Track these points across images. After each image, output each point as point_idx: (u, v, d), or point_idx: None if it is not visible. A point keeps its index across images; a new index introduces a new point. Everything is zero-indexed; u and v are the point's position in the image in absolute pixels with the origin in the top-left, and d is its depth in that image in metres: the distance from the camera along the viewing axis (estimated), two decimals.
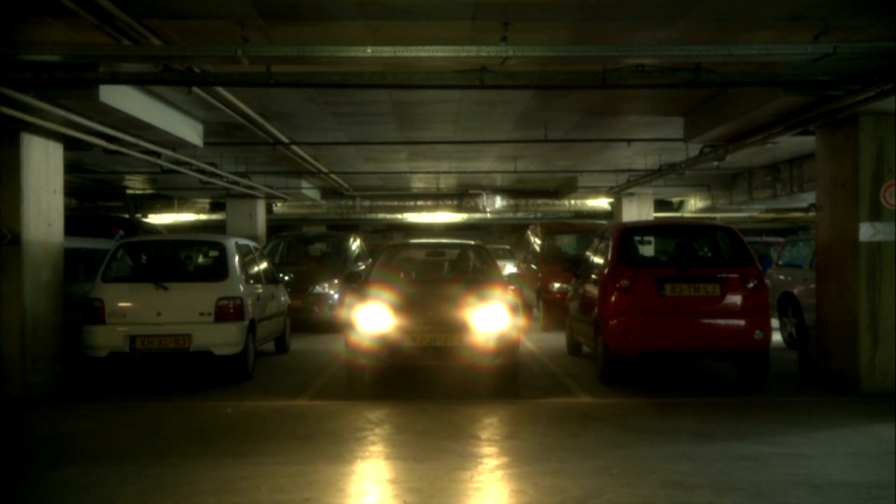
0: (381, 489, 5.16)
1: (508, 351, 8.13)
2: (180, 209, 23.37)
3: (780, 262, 12.97)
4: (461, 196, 23.20)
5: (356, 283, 9.57)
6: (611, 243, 8.94)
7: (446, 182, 21.66)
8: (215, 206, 23.19)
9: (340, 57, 6.72)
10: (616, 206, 21.51)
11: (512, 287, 9.01)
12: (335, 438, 6.44)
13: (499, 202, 22.96)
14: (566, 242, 16.19)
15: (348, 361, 8.48)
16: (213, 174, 14.83)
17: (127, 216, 15.46)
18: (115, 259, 8.99)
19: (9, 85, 7.15)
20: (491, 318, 8.05)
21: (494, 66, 7.04)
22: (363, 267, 15.91)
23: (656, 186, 19.10)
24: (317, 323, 13.73)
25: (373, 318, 8.08)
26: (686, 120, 11.57)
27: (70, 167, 12.98)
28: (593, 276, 9.31)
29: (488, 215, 24.10)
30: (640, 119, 11.86)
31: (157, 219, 22.69)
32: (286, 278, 12.87)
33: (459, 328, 7.99)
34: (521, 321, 8.44)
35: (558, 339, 11.94)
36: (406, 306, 8.15)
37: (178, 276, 9.23)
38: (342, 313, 8.65)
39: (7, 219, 8.03)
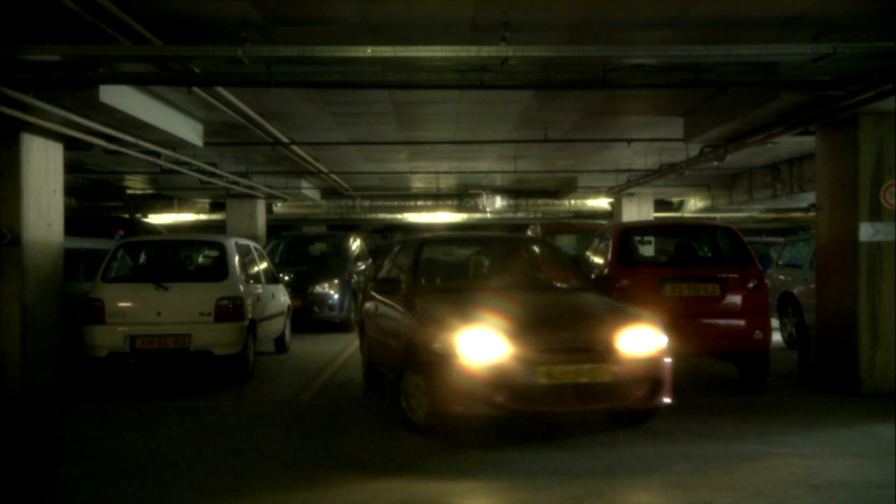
0: (381, 488, 5.15)
1: (667, 385, 6.15)
2: (180, 209, 23.37)
3: (780, 262, 12.98)
4: (461, 196, 23.20)
5: (399, 293, 7.28)
6: (611, 243, 8.95)
7: (446, 182, 21.65)
8: (215, 206, 23.20)
9: (340, 57, 6.75)
10: (616, 206, 21.51)
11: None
12: (336, 437, 6.44)
13: (499, 202, 22.96)
14: (566, 242, 16.19)
15: (446, 410, 5.98)
16: (213, 174, 14.82)
17: (127, 216, 15.45)
18: (115, 259, 9.00)
19: (9, 85, 7.15)
20: (641, 341, 6.09)
21: (494, 66, 7.06)
22: (362, 267, 15.95)
23: (656, 186, 19.10)
24: (317, 323, 13.74)
25: (483, 349, 5.80)
26: (686, 120, 11.57)
27: (70, 167, 12.98)
28: (593, 277, 9.31)
29: (488, 215, 24.09)
30: (640, 119, 11.86)
31: (157, 219, 22.68)
32: (286, 278, 12.87)
33: (608, 356, 5.94)
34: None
35: None
36: (524, 328, 6.02)
37: (178, 276, 9.24)
38: (429, 341, 6.14)
39: (7, 219, 8.03)
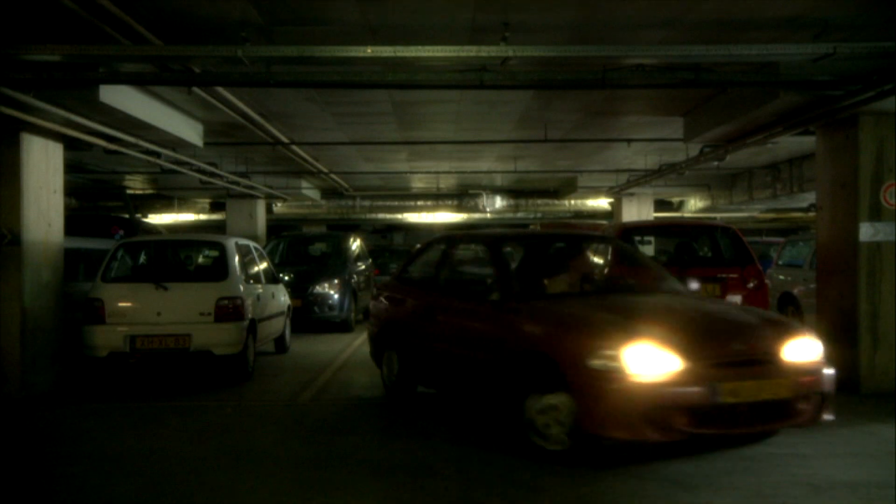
0: (381, 489, 5.15)
1: (832, 399, 5.65)
2: (180, 209, 23.38)
3: (780, 262, 12.99)
4: (461, 196, 23.20)
5: (485, 297, 6.52)
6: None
7: (446, 182, 21.66)
8: (215, 206, 23.20)
9: (340, 57, 6.76)
10: (616, 206, 21.51)
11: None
12: (336, 437, 6.44)
13: (499, 202, 22.95)
14: None
15: (605, 434, 5.27)
16: (213, 174, 14.83)
17: (127, 216, 15.45)
18: (115, 259, 9.00)
19: (9, 85, 7.15)
20: (806, 350, 5.62)
21: (494, 66, 7.07)
22: (362, 267, 15.95)
23: (656, 186, 19.10)
24: (317, 323, 13.74)
25: (654, 364, 5.14)
26: (686, 120, 11.57)
27: (70, 167, 12.97)
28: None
29: (488, 215, 24.08)
30: (640, 119, 11.86)
31: (157, 219, 22.69)
32: (286, 278, 12.88)
33: (783, 369, 5.45)
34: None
35: None
36: (691, 339, 5.36)
37: (178, 276, 9.24)
38: (581, 355, 5.34)
39: (7, 219, 8.03)
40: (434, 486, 5.13)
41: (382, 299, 8.28)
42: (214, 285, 8.83)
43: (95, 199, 20.38)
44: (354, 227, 27.78)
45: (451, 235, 8.24)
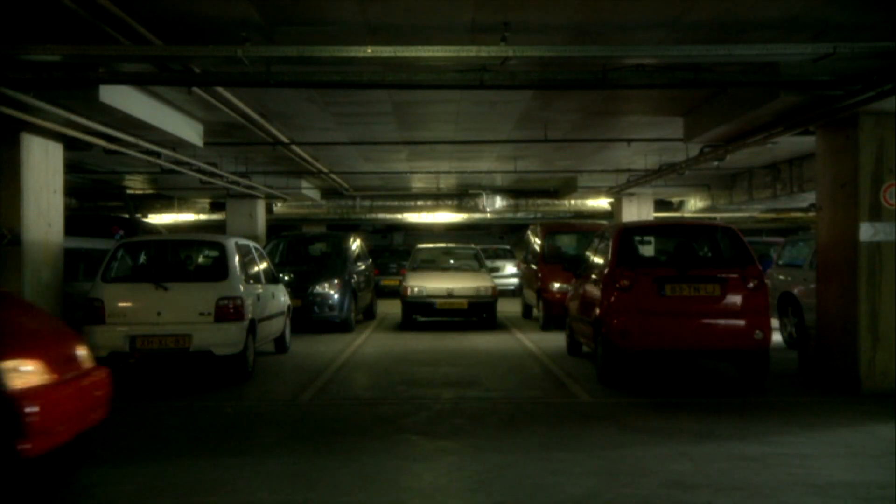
0: (381, 488, 5.15)
1: None
2: (180, 209, 23.38)
3: (780, 262, 12.97)
4: (461, 196, 23.20)
5: None
6: (611, 243, 8.95)
7: (446, 182, 21.66)
8: (215, 206, 23.20)
9: (340, 57, 6.76)
10: (616, 206, 21.51)
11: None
12: (336, 437, 6.45)
13: (499, 202, 22.95)
14: (566, 242, 16.21)
15: None
16: (213, 174, 14.84)
17: (127, 216, 15.46)
18: (115, 259, 9.00)
19: (9, 85, 7.16)
20: None
21: (494, 66, 7.08)
22: (362, 267, 15.94)
23: (656, 186, 19.10)
24: (317, 323, 13.74)
25: None
26: (686, 120, 11.57)
27: (70, 167, 12.98)
28: (593, 276, 9.31)
29: (488, 215, 24.08)
30: (640, 119, 11.86)
31: (157, 219, 22.70)
32: (286, 278, 12.88)
33: None
34: None
35: (558, 339, 11.94)
36: None
37: (178, 276, 9.24)
38: None
39: (7, 219, 8.04)
40: None
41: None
42: (214, 285, 8.84)
43: (95, 199, 20.39)
44: (354, 227, 27.79)
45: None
